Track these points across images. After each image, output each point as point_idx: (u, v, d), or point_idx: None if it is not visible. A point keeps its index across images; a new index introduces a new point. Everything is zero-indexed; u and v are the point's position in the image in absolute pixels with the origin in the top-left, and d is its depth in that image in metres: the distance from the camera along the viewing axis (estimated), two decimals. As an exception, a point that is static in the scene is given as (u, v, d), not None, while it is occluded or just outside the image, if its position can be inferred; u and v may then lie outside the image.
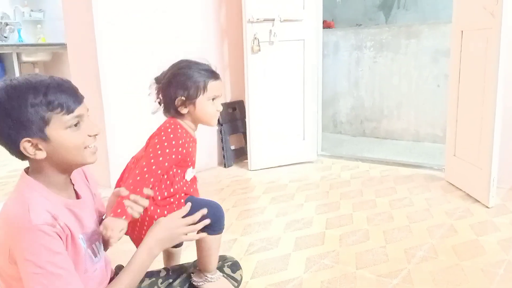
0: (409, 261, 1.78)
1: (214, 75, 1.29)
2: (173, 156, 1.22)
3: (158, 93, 1.31)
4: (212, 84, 1.27)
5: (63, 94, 0.96)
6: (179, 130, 1.26)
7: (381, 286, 1.59)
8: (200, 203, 1.25)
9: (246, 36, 3.05)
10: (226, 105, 3.40)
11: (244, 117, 3.30)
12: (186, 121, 1.30)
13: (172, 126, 1.26)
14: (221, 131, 3.33)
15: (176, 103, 1.26)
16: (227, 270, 1.37)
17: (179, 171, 1.27)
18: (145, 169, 1.19)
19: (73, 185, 1.10)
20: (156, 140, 1.24)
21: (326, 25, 4.39)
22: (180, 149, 1.23)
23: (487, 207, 2.30)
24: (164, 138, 1.23)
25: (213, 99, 1.27)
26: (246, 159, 3.29)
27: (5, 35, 5.00)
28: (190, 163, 1.30)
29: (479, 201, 2.38)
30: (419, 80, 3.81)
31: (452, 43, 2.67)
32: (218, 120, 3.29)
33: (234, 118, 3.44)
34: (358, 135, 4.22)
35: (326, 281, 1.63)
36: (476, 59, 2.40)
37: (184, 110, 1.27)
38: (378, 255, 1.84)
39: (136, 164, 1.27)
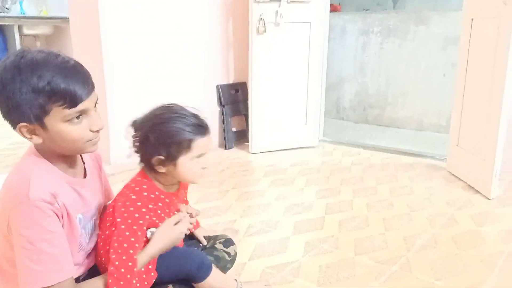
0: (408, 249, 1.77)
1: (201, 131, 1.10)
2: (141, 222, 1.05)
3: (134, 142, 1.11)
4: (198, 142, 1.09)
5: (69, 86, 0.89)
6: (145, 194, 1.08)
7: (380, 272, 1.59)
8: (179, 253, 1.17)
9: (252, 16, 2.98)
10: (228, 86, 3.36)
11: (247, 99, 3.26)
12: (162, 179, 1.12)
13: (137, 188, 1.08)
14: (222, 113, 3.30)
15: (153, 162, 1.08)
16: (218, 245, 1.36)
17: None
18: (125, 244, 1.01)
19: (84, 163, 1.08)
20: (122, 209, 1.05)
21: (333, 8, 4.31)
22: (147, 216, 1.06)
23: (488, 198, 2.29)
24: (126, 208, 1.05)
25: (198, 157, 1.11)
26: (247, 141, 3.26)
27: (7, 6, 4.92)
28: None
29: (480, 192, 2.36)
30: (426, 68, 3.75)
31: (462, 31, 2.61)
32: (221, 101, 3.29)
33: (236, 99, 3.40)
34: (360, 121, 4.19)
35: (324, 265, 1.63)
36: (485, 48, 2.35)
37: (161, 170, 1.09)
38: (377, 241, 1.83)
39: (110, 229, 1.08)
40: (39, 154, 0.98)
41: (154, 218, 1.09)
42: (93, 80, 0.98)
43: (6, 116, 0.92)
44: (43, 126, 0.92)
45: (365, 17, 4.02)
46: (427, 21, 3.69)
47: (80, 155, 1.07)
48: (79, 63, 0.95)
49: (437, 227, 1.97)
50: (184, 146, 1.07)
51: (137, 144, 1.11)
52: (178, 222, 1.14)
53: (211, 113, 3.28)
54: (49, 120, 0.91)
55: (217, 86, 3.27)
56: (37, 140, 0.94)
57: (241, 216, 2.07)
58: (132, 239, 1.02)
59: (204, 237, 1.41)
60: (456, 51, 3.29)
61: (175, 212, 1.18)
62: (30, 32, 4.97)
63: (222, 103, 3.28)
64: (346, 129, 3.94)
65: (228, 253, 1.35)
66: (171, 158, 1.07)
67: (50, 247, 0.91)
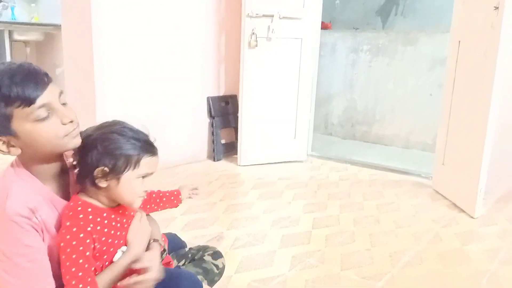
0: (393, 265, 1.78)
1: (152, 150, 1.06)
2: (81, 249, 0.96)
3: (75, 153, 1.02)
4: (147, 160, 1.04)
5: (19, 85, 0.87)
6: (80, 217, 0.99)
7: (365, 288, 1.59)
8: (169, 276, 1.13)
9: (244, 30, 3.02)
10: (219, 99, 3.37)
11: (237, 111, 3.27)
12: (101, 197, 1.03)
13: (70, 213, 0.99)
14: (212, 124, 3.30)
15: (95, 174, 1.00)
16: (207, 258, 1.35)
17: (104, 256, 1.04)
18: (73, 269, 0.95)
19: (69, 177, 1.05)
20: (59, 239, 0.97)
21: (324, 26, 4.37)
22: (87, 240, 0.97)
23: (472, 217, 2.32)
24: (62, 237, 0.96)
25: (143, 177, 1.05)
26: (236, 154, 3.26)
27: (-3, 11, 4.88)
28: (115, 246, 1.05)
29: (465, 211, 2.39)
30: (413, 87, 3.83)
31: (449, 52, 2.68)
32: (211, 113, 3.30)
33: (226, 112, 3.41)
34: (348, 137, 4.23)
35: (310, 280, 1.62)
36: (472, 69, 2.41)
37: (103, 184, 1.01)
38: (363, 257, 1.83)
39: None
40: (22, 166, 0.95)
41: (98, 237, 1.01)
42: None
43: None
44: (13, 134, 0.89)
45: (355, 36, 4.09)
46: (415, 42, 3.77)
47: (69, 169, 1.04)
48: (27, 63, 0.92)
49: (423, 244, 1.98)
50: (132, 160, 1.01)
51: (80, 153, 1.02)
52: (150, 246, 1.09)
53: (200, 125, 3.28)
54: (16, 126, 0.89)
55: (208, 98, 3.28)
56: (16, 151, 0.92)
57: (228, 229, 2.06)
58: (73, 268, 0.94)
59: (191, 248, 1.40)
60: (443, 72, 3.37)
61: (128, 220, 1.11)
62: (21, 38, 4.92)
63: (212, 115, 3.29)
64: (334, 145, 3.97)
65: (216, 266, 1.34)
66: (116, 172, 1.00)
67: (27, 262, 0.89)
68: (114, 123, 1.06)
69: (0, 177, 0.96)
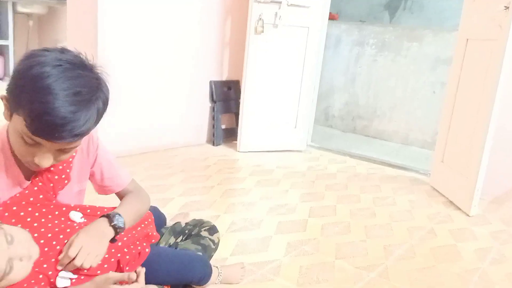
0: (387, 257, 1.79)
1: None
2: None
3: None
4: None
5: (39, 118, 0.85)
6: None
7: (358, 278, 1.60)
8: (181, 260, 1.18)
9: (251, 15, 2.99)
10: (221, 83, 3.35)
11: (239, 97, 3.26)
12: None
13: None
14: (213, 109, 3.29)
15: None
16: (204, 233, 1.37)
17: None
18: None
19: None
20: None
21: (331, 17, 4.34)
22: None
23: (468, 215, 2.34)
24: None
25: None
26: (235, 140, 3.26)
27: (1, -18, 4.81)
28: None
29: (460, 209, 2.41)
30: (415, 84, 3.82)
31: (456, 50, 2.67)
32: (213, 97, 3.29)
33: (228, 97, 3.39)
34: (348, 131, 4.23)
35: (305, 266, 1.63)
36: (478, 69, 2.41)
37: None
38: (358, 248, 1.85)
39: None
40: (6, 141, 0.98)
41: None
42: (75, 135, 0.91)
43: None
44: (11, 114, 0.93)
45: (362, 29, 4.07)
46: (420, 39, 3.75)
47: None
48: (72, 119, 0.87)
49: (417, 239, 2.00)
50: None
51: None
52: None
53: (202, 108, 3.27)
54: (14, 118, 0.91)
55: (210, 82, 3.27)
56: (7, 118, 0.94)
57: (225, 212, 2.07)
58: None
59: (187, 223, 1.41)
60: (446, 71, 3.37)
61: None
62: (24, 10, 4.87)
63: (214, 99, 3.27)
64: (333, 137, 3.97)
65: (213, 241, 1.36)
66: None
67: None
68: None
69: None
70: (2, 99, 0.94)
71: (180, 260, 1.19)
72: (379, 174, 2.98)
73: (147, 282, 1.09)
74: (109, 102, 0.99)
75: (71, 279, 0.97)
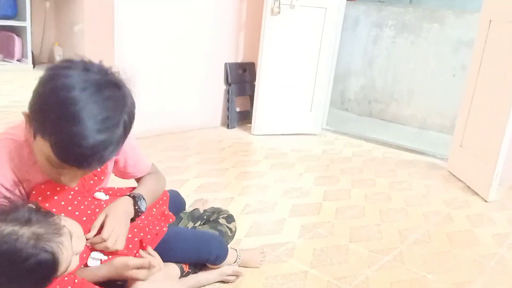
0: (402, 241, 1.78)
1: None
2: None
3: None
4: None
5: (75, 155, 0.84)
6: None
7: (373, 261, 1.60)
8: (198, 238, 1.20)
9: (268, -4, 2.94)
10: (236, 65, 3.33)
11: (254, 80, 3.23)
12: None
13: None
14: (228, 91, 3.28)
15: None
16: (222, 220, 1.39)
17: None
18: None
19: None
20: None
21: (349, -3, 4.25)
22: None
23: (485, 201, 2.30)
24: None
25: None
26: (250, 123, 3.25)
27: (18, -38, 4.83)
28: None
29: (478, 194, 2.37)
30: (435, 68, 3.73)
31: (478, 32, 2.58)
32: (227, 79, 3.27)
33: (243, 79, 3.37)
34: (364, 115, 4.17)
35: (318, 249, 1.63)
36: (500, 52, 2.33)
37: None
38: (373, 232, 1.84)
39: None
40: (26, 129, 0.94)
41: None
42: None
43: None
44: (34, 136, 0.89)
45: (380, 9, 3.97)
46: (442, 20, 3.65)
47: None
48: (100, 149, 0.85)
49: (432, 224, 1.98)
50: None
51: None
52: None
53: (216, 91, 3.26)
54: (39, 138, 0.87)
55: (225, 64, 3.24)
56: (29, 135, 0.91)
57: (239, 195, 2.07)
58: None
59: (206, 210, 1.43)
60: (468, 54, 3.27)
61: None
62: (41, -8, 4.89)
63: (229, 82, 3.26)
64: (349, 121, 3.93)
65: (230, 229, 1.38)
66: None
67: None
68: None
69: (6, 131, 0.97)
70: (24, 116, 0.90)
71: (197, 239, 1.21)
72: (395, 159, 2.94)
73: (165, 260, 1.11)
74: (135, 116, 0.94)
75: (101, 260, 1.00)
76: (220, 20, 3.11)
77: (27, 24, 4.78)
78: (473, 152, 2.51)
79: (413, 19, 3.79)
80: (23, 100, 1.01)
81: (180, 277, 1.19)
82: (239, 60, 3.36)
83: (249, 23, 3.29)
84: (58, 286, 0.89)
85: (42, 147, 0.86)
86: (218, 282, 1.33)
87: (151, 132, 2.84)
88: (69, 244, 0.87)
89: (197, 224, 1.38)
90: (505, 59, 2.27)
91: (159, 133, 2.90)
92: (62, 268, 0.86)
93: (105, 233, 0.97)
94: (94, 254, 1.00)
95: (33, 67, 4.83)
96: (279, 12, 2.96)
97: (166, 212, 1.21)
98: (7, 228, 0.81)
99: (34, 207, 0.88)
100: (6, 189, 0.93)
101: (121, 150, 1.12)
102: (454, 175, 2.67)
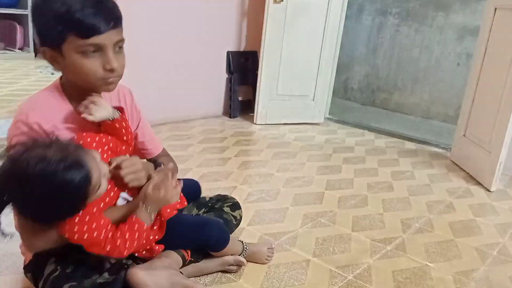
0: (404, 231, 1.78)
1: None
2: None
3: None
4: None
5: (85, 16, 0.91)
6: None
7: (375, 250, 1.60)
8: (197, 223, 1.20)
9: (271, -17, 2.91)
10: (239, 54, 3.30)
11: (256, 68, 3.21)
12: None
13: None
14: (230, 80, 3.26)
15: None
16: (226, 209, 1.39)
17: None
18: None
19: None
20: None
21: (353, -15, 4.20)
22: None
23: (488, 190, 2.29)
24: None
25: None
26: (252, 112, 3.24)
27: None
28: None
29: (481, 184, 2.36)
30: (440, 56, 3.70)
31: (483, 20, 2.55)
32: (230, 68, 3.25)
33: (245, 68, 3.35)
34: (367, 104, 4.16)
35: (321, 238, 1.64)
36: (506, 40, 2.30)
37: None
38: (375, 221, 1.84)
39: None
40: (59, 84, 1.05)
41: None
42: (121, 22, 1.01)
43: (35, 38, 1.01)
44: (61, 53, 0.96)
45: (385, -3, 3.92)
46: (447, 8, 3.60)
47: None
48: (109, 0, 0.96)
49: (435, 213, 1.98)
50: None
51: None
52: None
53: (218, 80, 3.24)
54: (66, 48, 0.95)
55: (228, 52, 3.22)
56: (58, 67, 0.99)
57: (242, 184, 2.08)
58: None
59: (211, 198, 1.43)
60: (473, 42, 3.24)
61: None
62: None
63: (231, 70, 3.24)
64: (352, 110, 3.91)
65: (235, 217, 1.38)
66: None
67: None
68: None
69: (39, 91, 1.05)
70: (44, 52, 0.97)
71: (196, 223, 1.20)
72: (398, 148, 2.94)
73: (166, 245, 1.12)
74: None
75: (127, 200, 1.08)
76: (223, 8, 3.08)
77: (28, 12, 4.75)
78: (476, 141, 2.50)
79: (418, 7, 3.75)
80: (25, 88, 1.04)
81: (182, 267, 1.19)
82: (242, 49, 3.34)
83: (251, 11, 3.26)
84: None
85: (70, 50, 0.94)
86: (220, 271, 1.33)
87: (153, 121, 2.82)
88: (96, 164, 0.92)
89: (201, 211, 1.38)
90: (510, 47, 2.24)
91: (162, 122, 2.90)
92: (94, 183, 0.90)
93: (124, 163, 1.03)
94: (123, 194, 1.07)
95: (35, 56, 4.82)
96: (282, 0, 2.92)
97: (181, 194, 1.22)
98: (35, 152, 0.86)
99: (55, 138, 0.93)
100: (42, 129, 0.97)
101: (140, 125, 1.23)
102: (457, 165, 2.66)
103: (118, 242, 0.98)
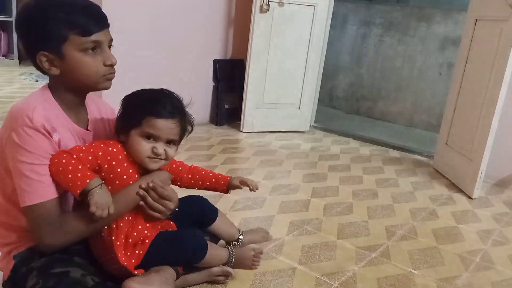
0: (389, 238, 1.80)
1: (158, 111, 1.17)
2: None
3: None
4: (151, 121, 1.11)
5: (85, 17, 1.00)
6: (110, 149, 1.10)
7: (360, 257, 1.61)
8: (171, 237, 1.19)
9: (257, -7, 2.94)
10: (225, 62, 3.32)
11: (243, 77, 3.23)
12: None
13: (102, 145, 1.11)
14: (217, 88, 3.27)
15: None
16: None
17: None
18: None
19: (87, 114, 1.14)
20: None
21: (338, -5, 4.27)
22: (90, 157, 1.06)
23: (470, 198, 2.34)
24: None
25: (148, 137, 1.11)
26: (238, 120, 3.25)
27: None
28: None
29: (463, 191, 2.41)
30: (422, 65, 3.77)
31: (465, 30, 2.62)
32: (216, 76, 3.26)
33: (232, 76, 3.36)
34: (352, 112, 4.21)
35: (307, 245, 1.65)
36: (486, 50, 2.37)
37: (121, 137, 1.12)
38: (360, 228, 1.85)
39: None
40: (50, 91, 1.05)
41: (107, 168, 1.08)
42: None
43: (29, 47, 1.01)
44: (60, 55, 0.99)
45: (369, 8, 4.00)
46: (430, 19, 3.69)
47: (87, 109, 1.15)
48: (96, 4, 1.06)
49: (418, 220, 2.00)
50: (135, 117, 1.13)
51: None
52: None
53: (205, 88, 3.25)
54: (67, 49, 0.99)
55: (215, 60, 3.23)
56: (55, 71, 1.01)
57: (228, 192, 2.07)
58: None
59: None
60: (454, 52, 3.32)
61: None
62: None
63: (218, 79, 3.25)
64: (337, 118, 3.95)
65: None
66: (122, 127, 1.13)
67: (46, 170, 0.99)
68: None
69: (29, 96, 1.05)
70: (41, 57, 1.00)
71: (172, 238, 1.18)
72: (382, 156, 2.97)
73: (153, 265, 1.12)
74: None
75: None
76: (209, 17, 3.10)
77: (12, 18, 4.69)
78: (458, 149, 2.55)
79: (401, 17, 3.83)
80: (9, 95, 1.04)
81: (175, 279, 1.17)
82: (228, 57, 3.35)
83: (238, 20, 3.28)
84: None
85: (73, 50, 0.99)
86: (207, 282, 1.32)
87: (139, 129, 2.81)
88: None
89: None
90: (490, 57, 2.30)
91: (147, 130, 2.88)
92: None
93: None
94: None
95: (19, 63, 4.75)
96: (268, 10, 2.96)
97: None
98: None
99: None
100: (47, 130, 0.98)
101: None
102: (439, 172, 2.70)
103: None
